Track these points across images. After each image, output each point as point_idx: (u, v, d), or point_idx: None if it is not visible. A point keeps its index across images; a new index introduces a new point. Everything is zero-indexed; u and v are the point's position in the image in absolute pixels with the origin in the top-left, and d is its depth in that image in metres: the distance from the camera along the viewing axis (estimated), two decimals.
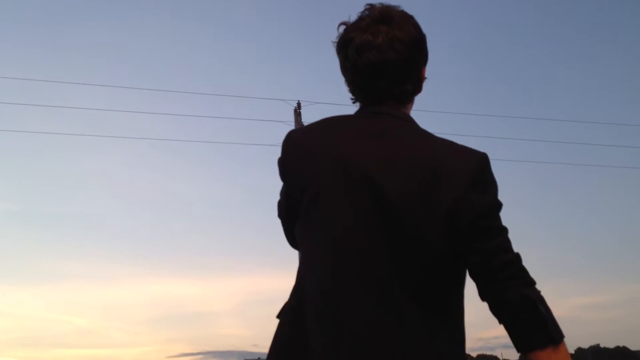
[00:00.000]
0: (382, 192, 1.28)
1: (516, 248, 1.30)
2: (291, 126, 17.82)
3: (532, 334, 1.24)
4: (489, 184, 1.32)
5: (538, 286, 1.28)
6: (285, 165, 1.44)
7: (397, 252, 1.26)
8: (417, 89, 1.48)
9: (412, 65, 1.41)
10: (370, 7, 1.43)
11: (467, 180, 1.28)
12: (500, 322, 1.29)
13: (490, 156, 1.35)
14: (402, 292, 1.25)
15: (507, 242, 1.30)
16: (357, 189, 1.30)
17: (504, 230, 1.31)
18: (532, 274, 1.22)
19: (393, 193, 1.27)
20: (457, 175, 1.28)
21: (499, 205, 1.32)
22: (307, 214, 1.36)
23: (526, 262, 1.29)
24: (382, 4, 1.44)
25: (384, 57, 1.37)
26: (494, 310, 1.29)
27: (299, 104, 17.94)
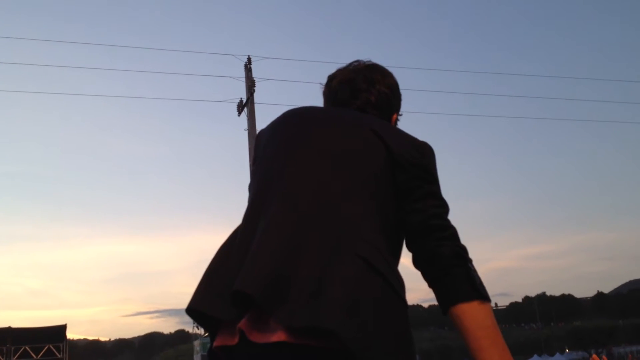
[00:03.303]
0: (325, 125, 1.44)
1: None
2: (242, 82, 17.52)
3: (462, 287, 1.28)
4: (430, 159, 1.42)
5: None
6: (256, 148, 1.56)
7: (336, 169, 1.34)
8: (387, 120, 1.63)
9: (384, 98, 1.62)
10: (358, 61, 1.68)
11: (411, 144, 1.41)
12: (428, 275, 1.34)
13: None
14: (341, 194, 1.30)
15: (447, 215, 1.38)
16: (301, 126, 1.46)
17: (446, 205, 1.40)
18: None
19: (336, 128, 1.42)
20: (401, 138, 1.42)
21: (439, 184, 1.41)
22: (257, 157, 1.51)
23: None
24: (369, 60, 1.68)
25: (360, 86, 1.61)
26: (425, 263, 1.34)
27: (249, 59, 17.56)
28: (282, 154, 1.42)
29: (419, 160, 1.39)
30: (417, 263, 1.36)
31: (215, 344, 1.29)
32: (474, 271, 1.31)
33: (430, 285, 1.34)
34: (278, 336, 1.14)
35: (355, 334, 1.10)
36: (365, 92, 1.59)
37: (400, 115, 1.70)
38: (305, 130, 1.45)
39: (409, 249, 1.38)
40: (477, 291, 1.28)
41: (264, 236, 1.24)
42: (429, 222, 1.34)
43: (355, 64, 1.66)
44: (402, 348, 1.18)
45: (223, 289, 1.26)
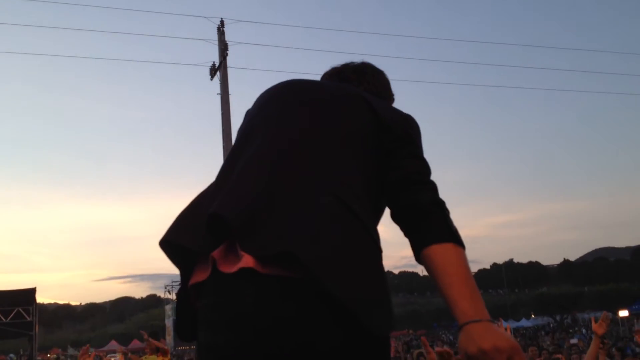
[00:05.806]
0: (311, 93, 1.47)
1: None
2: (214, 45, 17.26)
3: (437, 230, 1.28)
4: (416, 130, 1.45)
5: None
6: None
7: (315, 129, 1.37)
8: None
9: (374, 89, 1.64)
10: (351, 61, 1.71)
11: (398, 114, 1.45)
12: (406, 223, 1.34)
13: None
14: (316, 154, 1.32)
15: (428, 175, 1.38)
16: (286, 89, 1.51)
17: (428, 167, 1.40)
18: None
19: (322, 95, 1.46)
20: (389, 108, 1.47)
21: (422, 152, 1.43)
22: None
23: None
24: (362, 61, 1.71)
25: (348, 77, 1.66)
26: (403, 212, 1.34)
27: (222, 22, 17.30)
28: (264, 110, 1.46)
29: (406, 128, 1.41)
30: (395, 215, 1.36)
31: (190, 282, 1.29)
32: (451, 220, 1.31)
33: (406, 234, 1.33)
34: (245, 262, 1.15)
35: (321, 262, 1.10)
36: (354, 82, 1.63)
37: None
38: (290, 91, 1.49)
39: (389, 204, 1.38)
40: (452, 235, 1.27)
41: (241, 172, 1.27)
42: (409, 177, 1.35)
43: (348, 63, 1.71)
44: (372, 283, 1.17)
45: (198, 223, 1.25)
